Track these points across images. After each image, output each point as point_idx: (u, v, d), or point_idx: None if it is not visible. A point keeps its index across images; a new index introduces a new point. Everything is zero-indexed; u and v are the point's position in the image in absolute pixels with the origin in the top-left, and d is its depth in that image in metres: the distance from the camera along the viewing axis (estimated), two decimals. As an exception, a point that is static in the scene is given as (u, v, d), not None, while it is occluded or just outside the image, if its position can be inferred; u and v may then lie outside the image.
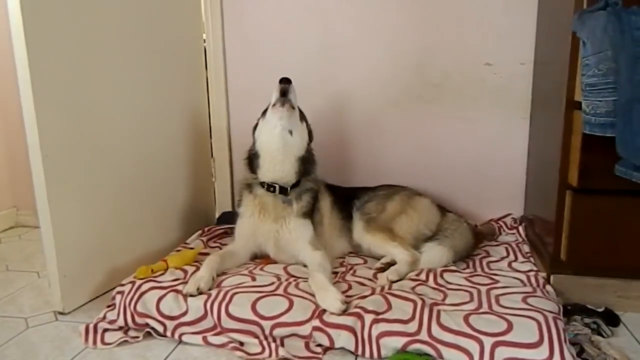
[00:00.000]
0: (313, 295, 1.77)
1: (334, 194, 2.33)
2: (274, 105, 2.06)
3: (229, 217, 2.52)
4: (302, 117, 2.17)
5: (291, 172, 2.10)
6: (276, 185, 2.09)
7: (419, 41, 2.56)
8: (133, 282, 1.86)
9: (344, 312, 1.66)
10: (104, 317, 1.83)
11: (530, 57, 2.45)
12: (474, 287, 1.84)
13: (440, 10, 2.51)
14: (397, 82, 2.62)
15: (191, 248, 2.24)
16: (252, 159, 2.16)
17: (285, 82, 2.05)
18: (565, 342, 1.48)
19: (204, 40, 2.79)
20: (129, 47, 2.21)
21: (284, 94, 2.04)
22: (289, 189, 2.11)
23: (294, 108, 2.06)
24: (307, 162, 2.16)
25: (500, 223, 2.54)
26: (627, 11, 1.59)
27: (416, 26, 2.55)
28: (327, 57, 2.67)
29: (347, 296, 1.77)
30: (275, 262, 2.13)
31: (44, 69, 1.82)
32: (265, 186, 2.11)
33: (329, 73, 2.68)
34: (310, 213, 2.15)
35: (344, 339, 1.61)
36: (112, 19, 2.12)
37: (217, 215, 2.84)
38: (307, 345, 1.65)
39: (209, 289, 1.82)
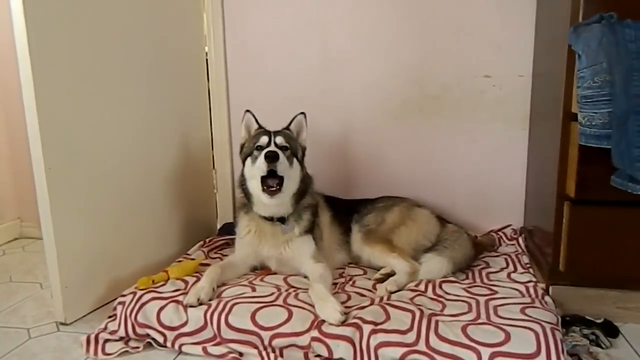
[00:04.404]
0: (312, 306, 1.77)
1: (333, 208, 2.33)
2: (264, 187, 1.98)
3: (231, 228, 2.53)
4: (292, 138, 2.14)
5: (287, 206, 2.09)
6: (273, 217, 2.09)
7: (418, 54, 2.58)
8: (134, 293, 1.88)
9: (343, 323, 1.66)
10: (105, 328, 1.84)
11: (529, 69, 2.47)
12: (473, 298, 1.84)
13: (439, 23, 2.54)
14: (396, 95, 2.64)
15: (192, 259, 2.25)
16: (245, 191, 2.12)
17: (272, 159, 1.93)
18: (563, 352, 1.49)
19: (206, 53, 2.82)
20: (131, 60, 2.25)
21: (272, 173, 1.95)
22: (287, 216, 2.10)
23: (282, 191, 1.99)
24: (303, 189, 2.13)
25: (500, 234, 2.54)
26: (621, 24, 1.61)
27: (415, 39, 2.57)
28: (327, 69, 2.70)
29: (346, 307, 1.77)
30: (276, 274, 2.13)
31: (48, 83, 1.85)
32: (262, 216, 2.10)
33: (328, 85, 2.71)
34: (312, 229, 2.15)
35: (342, 350, 1.62)
36: (115, 31, 2.15)
37: (218, 227, 2.85)
38: (306, 356, 1.66)
39: (210, 300, 1.83)
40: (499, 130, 2.56)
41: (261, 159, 1.95)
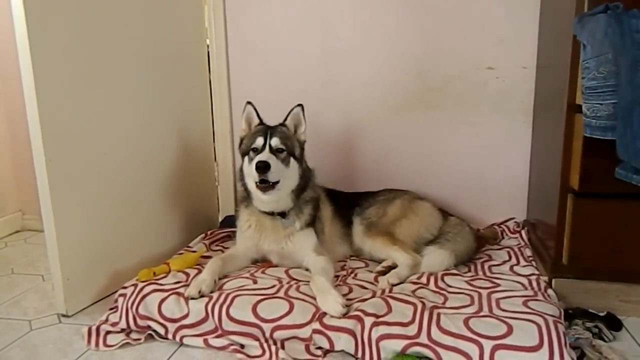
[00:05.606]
0: (314, 298, 1.77)
1: (334, 201, 2.32)
2: (256, 185, 1.95)
3: (232, 221, 2.52)
4: (289, 139, 2.07)
5: (287, 201, 2.07)
6: (274, 212, 2.08)
7: (420, 46, 2.56)
8: (135, 285, 1.88)
9: (344, 315, 1.66)
10: (107, 320, 1.85)
11: (533, 60, 2.45)
12: (475, 291, 1.83)
13: (442, 15, 2.52)
14: (398, 87, 2.62)
15: (194, 251, 2.25)
16: (244, 186, 2.10)
17: (262, 170, 1.90)
18: (566, 345, 1.48)
19: (208, 45, 2.81)
20: (132, 53, 2.23)
21: (263, 181, 1.92)
22: (287, 211, 2.09)
23: (276, 188, 1.96)
24: (303, 184, 2.10)
25: (503, 227, 2.54)
26: (627, 14, 1.59)
27: (418, 31, 2.55)
28: (329, 62, 2.68)
29: (347, 299, 1.77)
30: (277, 266, 2.13)
31: (48, 75, 1.84)
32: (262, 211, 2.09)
33: (330, 78, 2.69)
34: (313, 222, 2.14)
35: (343, 342, 1.62)
36: (115, 24, 2.14)
37: (220, 219, 2.85)
38: (307, 348, 1.66)
39: (211, 292, 1.83)
40: (502, 123, 2.54)
41: (253, 165, 1.92)
